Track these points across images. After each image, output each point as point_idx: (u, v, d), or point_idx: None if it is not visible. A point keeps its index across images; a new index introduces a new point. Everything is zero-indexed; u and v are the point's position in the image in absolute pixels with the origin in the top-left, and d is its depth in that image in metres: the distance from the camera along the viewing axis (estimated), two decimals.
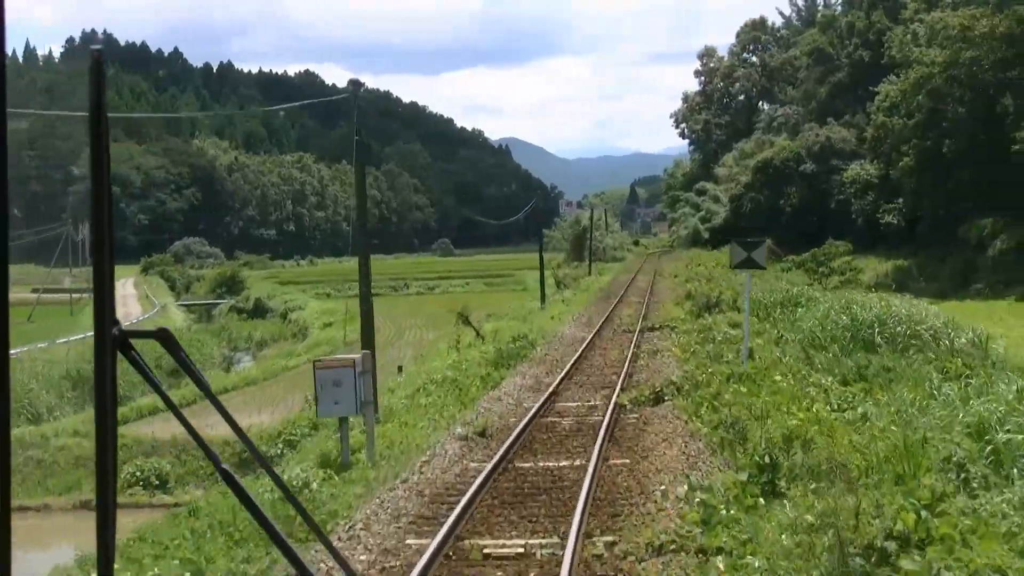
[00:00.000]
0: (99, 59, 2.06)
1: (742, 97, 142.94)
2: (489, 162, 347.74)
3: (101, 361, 2.06)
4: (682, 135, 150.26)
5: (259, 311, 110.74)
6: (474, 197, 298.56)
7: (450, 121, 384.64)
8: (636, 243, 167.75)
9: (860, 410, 19.39)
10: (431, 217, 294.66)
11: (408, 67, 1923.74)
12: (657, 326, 38.70)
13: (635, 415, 21.40)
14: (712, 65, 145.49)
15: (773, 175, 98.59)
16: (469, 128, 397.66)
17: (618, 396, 22.93)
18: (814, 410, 19.43)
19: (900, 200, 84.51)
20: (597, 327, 39.89)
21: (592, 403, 23.19)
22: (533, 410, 21.61)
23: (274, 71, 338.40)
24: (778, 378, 22.73)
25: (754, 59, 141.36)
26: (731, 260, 25.68)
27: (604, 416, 20.69)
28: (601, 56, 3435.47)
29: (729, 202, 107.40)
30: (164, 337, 2.22)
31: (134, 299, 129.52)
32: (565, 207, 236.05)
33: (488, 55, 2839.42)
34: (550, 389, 24.44)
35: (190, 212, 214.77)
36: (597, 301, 56.83)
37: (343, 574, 2.56)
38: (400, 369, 44.17)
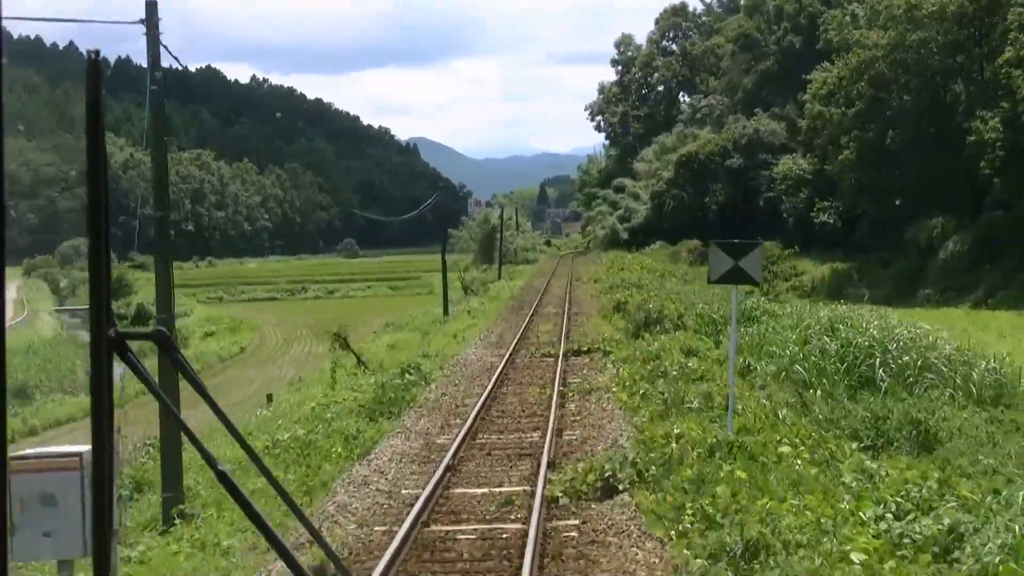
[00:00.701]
0: (96, 60, 2.10)
1: (661, 88, 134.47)
2: (396, 161, 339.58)
3: (98, 363, 2.05)
4: (598, 128, 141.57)
5: (142, 317, 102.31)
6: (381, 196, 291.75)
7: (356, 119, 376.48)
8: (548, 244, 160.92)
9: (946, 520, 11.63)
10: (336, 217, 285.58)
11: (316, 66, 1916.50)
12: (585, 349, 30.76)
13: (576, 520, 13.39)
14: (629, 54, 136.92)
15: (697, 170, 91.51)
16: (376, 126, 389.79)
17: (546, 480, 15.01)
18: (863, 515, 11.83)
19: (836, 198, 77.82)
20: (510, 349, 31.97)
21: (506, 489, 15.15)
22: (414, 510, 13.54)
23: (174, 66, 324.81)
24: (785, 449, 15.00)
25: (674, 47, 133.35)
26: (710, 272, 17.60)
27: (528, 523, 12.79)
28: (510, 56, 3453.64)
29: (650, 199, 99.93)
30: (160, 339, 2.26)
31: (9, 304, 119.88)
32: (474, 206, 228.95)
33: (397, 55, 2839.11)
34: (444, 461, 16.36)
35: (83, 211, 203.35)
36: (508, 312, 48.89)
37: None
38: (270, 399, 36.03)
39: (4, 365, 1.79)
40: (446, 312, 52.30)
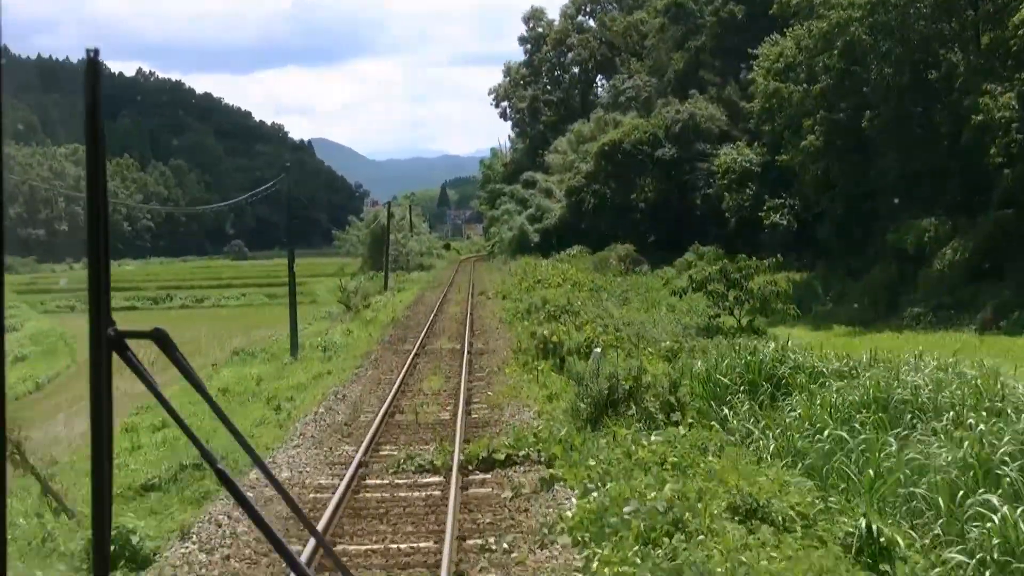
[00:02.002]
0: (95, 58, 2.12)
1: (577, 69, 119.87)
2: (289, 159, 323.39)
3: (96, 362, 2.09)
4: (503, 115, 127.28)
5: None
6: (271, 195, 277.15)
7: (248, 115, 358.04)
8: (447, 247, 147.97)
9: None
10: (226, 216, 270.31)
11: (216, 66, 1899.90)
12: (500, 455, 16.19)
13: None
14: (540, 30, 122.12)
15: (622, 162, 77.42)
16: (268, 122, 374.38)
17: None
18: None
19: (791, 194, 64.54)
20: (362, 446, 17.40)
21: None
22: None
23: (55, 57, 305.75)
24: None
25: (592, 23, 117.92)
26: None
27: None
28: (411, 58, 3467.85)
29: (566, 196, 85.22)
30: (159, 337, 2.23)
31: None
32: (370, 207, 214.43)
33: (297, 55, 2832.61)
34: None
35: None
36: (384, 348, 34.07)
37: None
38: None
39: (4, 366, 1.79)
40: (294, 350, 36.56)
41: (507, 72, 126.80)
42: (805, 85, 60.46)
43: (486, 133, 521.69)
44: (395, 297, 60.90)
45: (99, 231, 2.13)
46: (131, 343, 2.14)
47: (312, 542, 11.12)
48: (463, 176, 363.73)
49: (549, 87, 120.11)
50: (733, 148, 70.94)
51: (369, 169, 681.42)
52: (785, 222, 64.17)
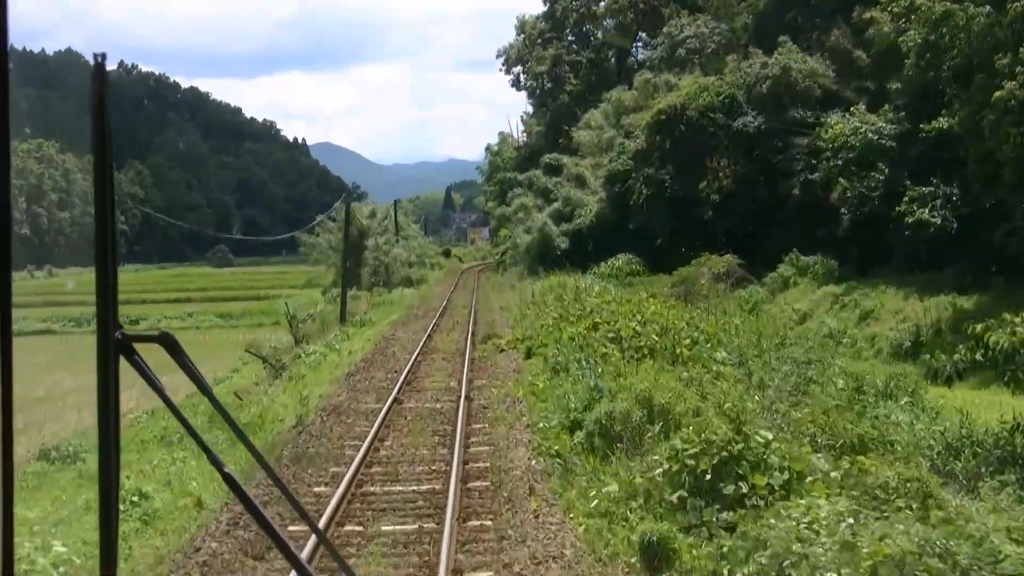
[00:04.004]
0: (101, 63, 2.20)
1: (611, 22, 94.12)
2: (280, 157, 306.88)
3: (104, 364, 2.12)
4: (516, 84, 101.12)
5: None
6: (263, 196, 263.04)
7: (237, 111, 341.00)
8: (447, 254, 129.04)
9: None
10: (209, 219, 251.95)
11: (221, 71, 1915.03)
12: None
13: None
14: None
15: (686, 136, 55.24)
16: (260, 119, 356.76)
17: None
18: None
19: (949, 179, 42.43)
20: None
21: None
22: None
23: (29, 49, 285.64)
24: None
25: None
26: None
27: None
28: (415, 62, 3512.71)
29: (605, 185, 62.75)
30: (166, 340, 2.25)
31: None
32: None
33: (302, 60, 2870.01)
34: None
35: None
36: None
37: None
38: None
39: (10, 367, 1.82)
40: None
41: (521, 28, 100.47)
42: (988, 8, 38.50)
43: (494, 137, 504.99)
44: (349, 341, 38.45)
45: (107, 235, 2.12)
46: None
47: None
48: (469, 179, 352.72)
49: (576, 45, 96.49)
50: (850, 115, 48.66)
51: (376, 173, 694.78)
52: (938, 219, 41.65)
